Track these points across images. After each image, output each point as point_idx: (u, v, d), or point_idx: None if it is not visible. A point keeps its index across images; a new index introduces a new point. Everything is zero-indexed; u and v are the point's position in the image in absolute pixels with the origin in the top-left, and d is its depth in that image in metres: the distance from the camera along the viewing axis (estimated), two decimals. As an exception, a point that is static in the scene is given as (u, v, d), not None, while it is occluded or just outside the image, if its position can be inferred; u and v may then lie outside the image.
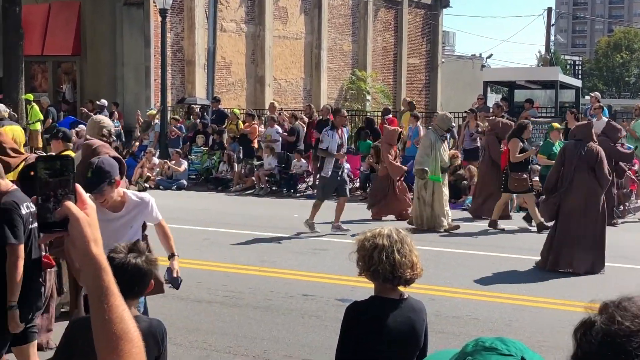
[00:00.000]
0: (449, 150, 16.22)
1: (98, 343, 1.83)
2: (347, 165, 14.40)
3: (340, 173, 14.08)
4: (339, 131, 14.07)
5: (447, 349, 2.00)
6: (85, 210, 1.84)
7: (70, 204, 1.82)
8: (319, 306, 9.09)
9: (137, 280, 4.03)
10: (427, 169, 14.36)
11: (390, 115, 22.69)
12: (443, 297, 9.56)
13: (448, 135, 15.58)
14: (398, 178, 16.02)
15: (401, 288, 4.06)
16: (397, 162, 16.08)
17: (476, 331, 7.95)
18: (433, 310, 8.57)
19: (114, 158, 6.49)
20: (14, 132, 12.63)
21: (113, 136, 8.54)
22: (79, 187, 1.86)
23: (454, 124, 15.64)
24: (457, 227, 14.51)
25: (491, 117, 18.57)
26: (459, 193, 18.46)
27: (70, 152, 8.98)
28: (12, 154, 7.40)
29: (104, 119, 8.75)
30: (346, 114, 15.55)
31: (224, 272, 10.86)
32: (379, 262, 3.89)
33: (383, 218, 15.71)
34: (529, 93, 27.72)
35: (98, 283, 1.82)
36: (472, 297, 9.67)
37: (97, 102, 24.47)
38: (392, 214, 15.94)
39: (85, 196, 1.87)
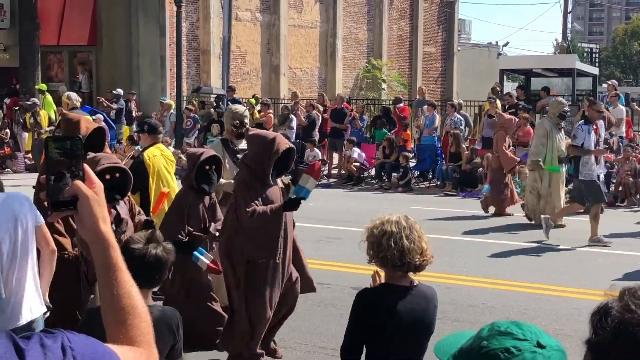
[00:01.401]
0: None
1: (106, 317, 1.88)
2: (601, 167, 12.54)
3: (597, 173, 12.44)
4: (594, 126, 12.36)
5: (463, 331, 1.99)
6: (93, 189, 1.88)
7: (79, 183, 1.86)
8: (335, 295, 9.10)
9: (157, 270, 4.06)
10: (541, 160, 13.40)
11: (402, 104, 22.58)
12: (459, 285, 9.55)
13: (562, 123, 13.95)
14: (509, 169, 14.98)
15: (412, 275, 4.05)
16: (510, 152, 15.04)
17: (492, 319, 7.90)
18: (449, 298, 8.57)
19: (293, 146, 6.52)
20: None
21: (247, 126, 8.26)
22: (86, 166, 1.90)
23: (567, 108, 14.26)
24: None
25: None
26: (475, 182, 18.40)
27: (160, 145, 8.92)
28: None
29: (237, 107, 8.46)
30: (602, 107, 13.95)
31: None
32: (388, 248, 3.90)
33: (506, 211, 14.77)
34: (546, 81, 27.54)
35: (106, 259, 1.87)
36: (487, 285, 9.65)
37: (113, 92, 24.51)
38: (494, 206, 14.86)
39: (93, 175, 1.91)
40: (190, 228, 7.03)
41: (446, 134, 19.94)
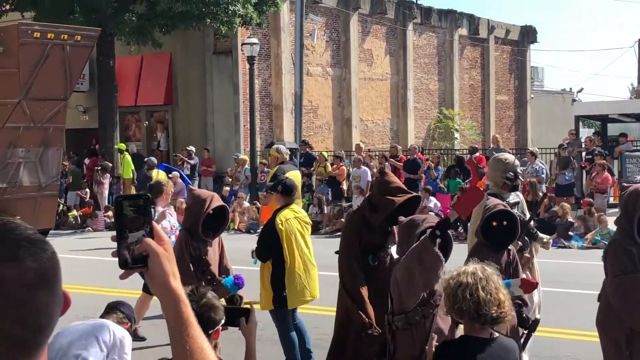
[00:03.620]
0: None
1: None
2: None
3: None
4: None
5: None
6: (163, 246, 1.91)
7: (149, 240, 1.89)
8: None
9: None
10: None
11: (478, 154, 22.33)
12: (541, 337, 9.30)
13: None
14: None
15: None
16: None
17: (577, 372, 7.68)
18: (532, 351, 8.34)
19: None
20: (295, 177, 11.58)
21: (520, 178, 7.37)
22: (155, 223, 1.93)
23: None
24: None
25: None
26: (553, 230, 18.04)
27: (294, 206, 7.99)
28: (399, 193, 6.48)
29: (508, 157, 7.42)
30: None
31: (316, 314, 10.83)
32: (463, 299, 3.84)
33: None
34: (623, 126, 27.09)
35: (178, 315, 1.88)
36: (571, 337, 9.39)
37: (187, 148, 24.98)
38: None
39: (162, 232, 1.94)
40: None
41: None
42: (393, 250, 6.24)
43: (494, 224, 6.11)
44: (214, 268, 6.81)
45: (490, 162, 7.41)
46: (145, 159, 21.57)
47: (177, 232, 8.87)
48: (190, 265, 6.77)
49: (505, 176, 7.07)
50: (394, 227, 6.32)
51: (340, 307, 6.53)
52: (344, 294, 6.46)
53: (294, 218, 7.79)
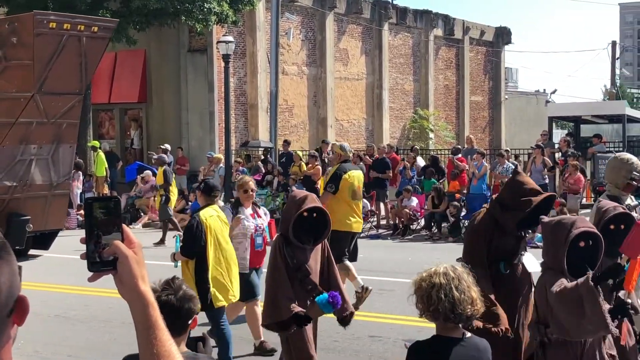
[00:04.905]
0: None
1: None
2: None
3: None
4: None
5: None
6: (132, 249, 1.89)
7: (119, 242, 1.87)
8: (386, 347, 8.97)
9: (167, 317, 3.81)
10: None
11: (460, 155, 22.27)
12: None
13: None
14: None
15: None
16: None
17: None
18: None
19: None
20: (357, 178, 11.48)
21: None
22: (125, 226, 1.91)
23: None
24: None
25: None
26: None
27: (215, 206, 8.07)
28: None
29: (632, 157, 6.95)
30: None
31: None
32: (438, 301, 3.84)
33: None
34: (596, 128, 27.30)
35: (146, 318, 1.87)
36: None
37: (161, 147, 24.83)
38: None
39: (132, 235, 1.92)
40: None
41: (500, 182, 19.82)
42: (526, 257, 5.90)
43: (612, 227, 5.57)
44: (314, 277, 6.17)
45: (611, 162, 6.98)
46: (156, 156, 21.31)
47: (265, 234, 8.71)
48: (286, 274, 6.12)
49: (630, 177, 6.68)
50: (527, 233, 6.03)
51: None
52: None
53: (216, 216, 7.88)
